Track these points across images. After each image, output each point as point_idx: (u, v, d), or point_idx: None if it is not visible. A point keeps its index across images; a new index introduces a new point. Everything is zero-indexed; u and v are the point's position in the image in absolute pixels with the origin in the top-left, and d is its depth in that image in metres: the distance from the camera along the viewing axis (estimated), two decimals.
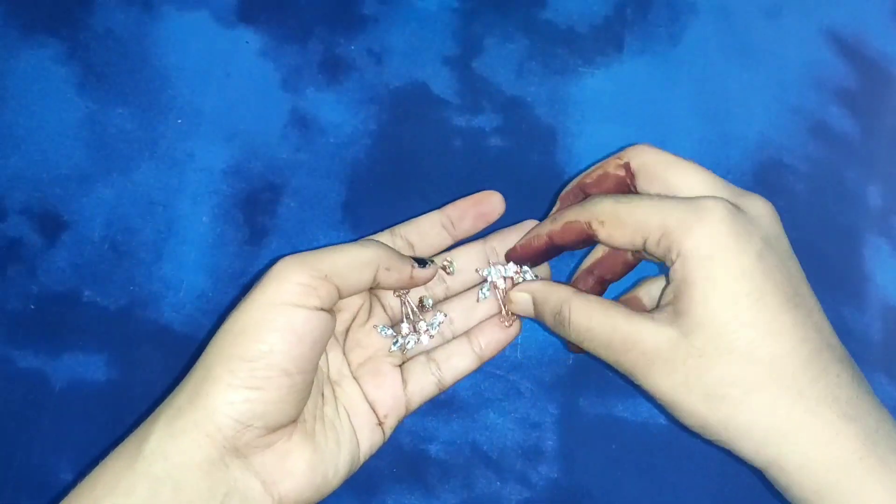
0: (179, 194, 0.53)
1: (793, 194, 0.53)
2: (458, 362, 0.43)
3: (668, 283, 0.38)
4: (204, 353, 0.37)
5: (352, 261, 0.39)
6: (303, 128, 0.53)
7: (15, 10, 0.55)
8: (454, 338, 0.44)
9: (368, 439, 0.41)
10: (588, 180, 0.42)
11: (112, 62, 0.54)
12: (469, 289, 0.45)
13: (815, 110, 0.53)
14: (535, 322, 0.42)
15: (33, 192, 0.53)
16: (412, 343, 0.43)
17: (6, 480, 0.50)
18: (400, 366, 0.43)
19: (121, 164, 0.53)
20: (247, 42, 0.55)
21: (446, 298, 0.45)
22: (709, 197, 0.37)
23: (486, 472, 0.50)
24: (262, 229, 0.53)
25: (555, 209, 0.44)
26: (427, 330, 0.43)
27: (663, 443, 0.50)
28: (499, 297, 0.44)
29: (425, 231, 0.44)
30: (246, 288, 0.52)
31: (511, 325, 0.43)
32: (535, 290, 0.42)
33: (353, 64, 0.54)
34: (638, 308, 0.42)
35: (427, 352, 0.43)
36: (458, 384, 0.51)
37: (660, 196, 0.38)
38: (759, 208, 0.37)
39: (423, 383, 0.43)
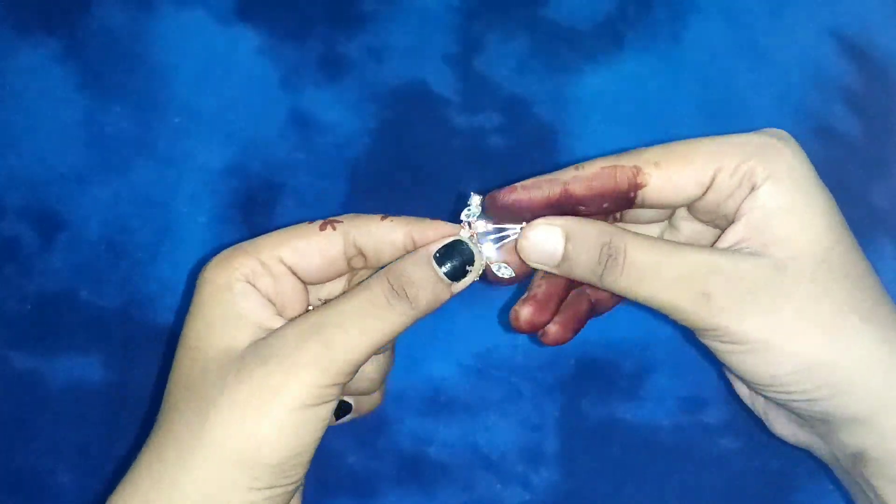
0: (177, 194, 0.53)
1: None
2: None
3: (735, 219, 0.33)
4: (205, 446, 0.33)
5: (371, 345, 0.33)
6: (302, 127, 0.53)
7: (12, 9, 0.54)
8: None
9: None
10: (581, 174, 0.33)
11: (109, 61, 0.54)
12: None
13: (819, 110, 0.53)
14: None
15: (30, 192, 0.53)
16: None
17: (2, 482, 0.49)
18: None
19: (118, 164, 0.53)
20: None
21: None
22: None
23: (486, 475, 0.50)
24: (260, 229, 0.52)
25: (509, 197, 0.34)
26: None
27: (665, 445, 0.50)
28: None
29: (383, 250, 0.37)
30: None
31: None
32: (567, 223, 0.33)
33: (353, 62, 0.54)
34: None
35: None
36: (459, 386, 0.50)
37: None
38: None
39: None
